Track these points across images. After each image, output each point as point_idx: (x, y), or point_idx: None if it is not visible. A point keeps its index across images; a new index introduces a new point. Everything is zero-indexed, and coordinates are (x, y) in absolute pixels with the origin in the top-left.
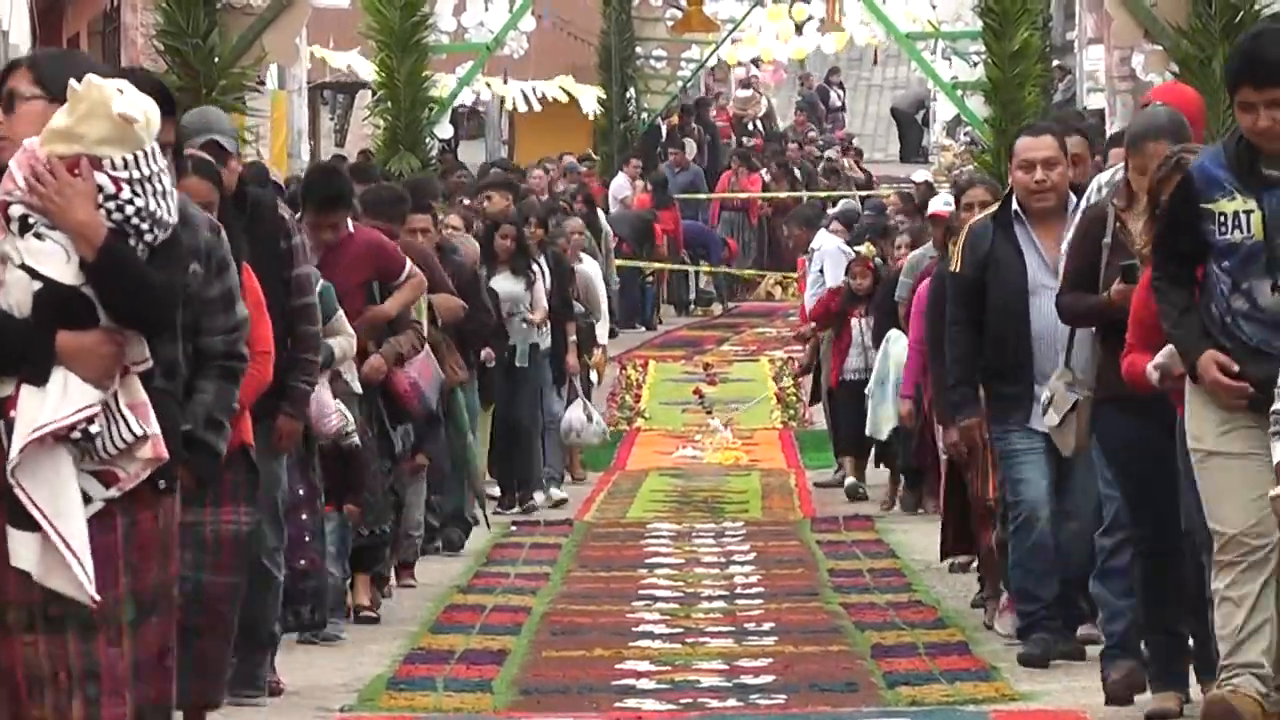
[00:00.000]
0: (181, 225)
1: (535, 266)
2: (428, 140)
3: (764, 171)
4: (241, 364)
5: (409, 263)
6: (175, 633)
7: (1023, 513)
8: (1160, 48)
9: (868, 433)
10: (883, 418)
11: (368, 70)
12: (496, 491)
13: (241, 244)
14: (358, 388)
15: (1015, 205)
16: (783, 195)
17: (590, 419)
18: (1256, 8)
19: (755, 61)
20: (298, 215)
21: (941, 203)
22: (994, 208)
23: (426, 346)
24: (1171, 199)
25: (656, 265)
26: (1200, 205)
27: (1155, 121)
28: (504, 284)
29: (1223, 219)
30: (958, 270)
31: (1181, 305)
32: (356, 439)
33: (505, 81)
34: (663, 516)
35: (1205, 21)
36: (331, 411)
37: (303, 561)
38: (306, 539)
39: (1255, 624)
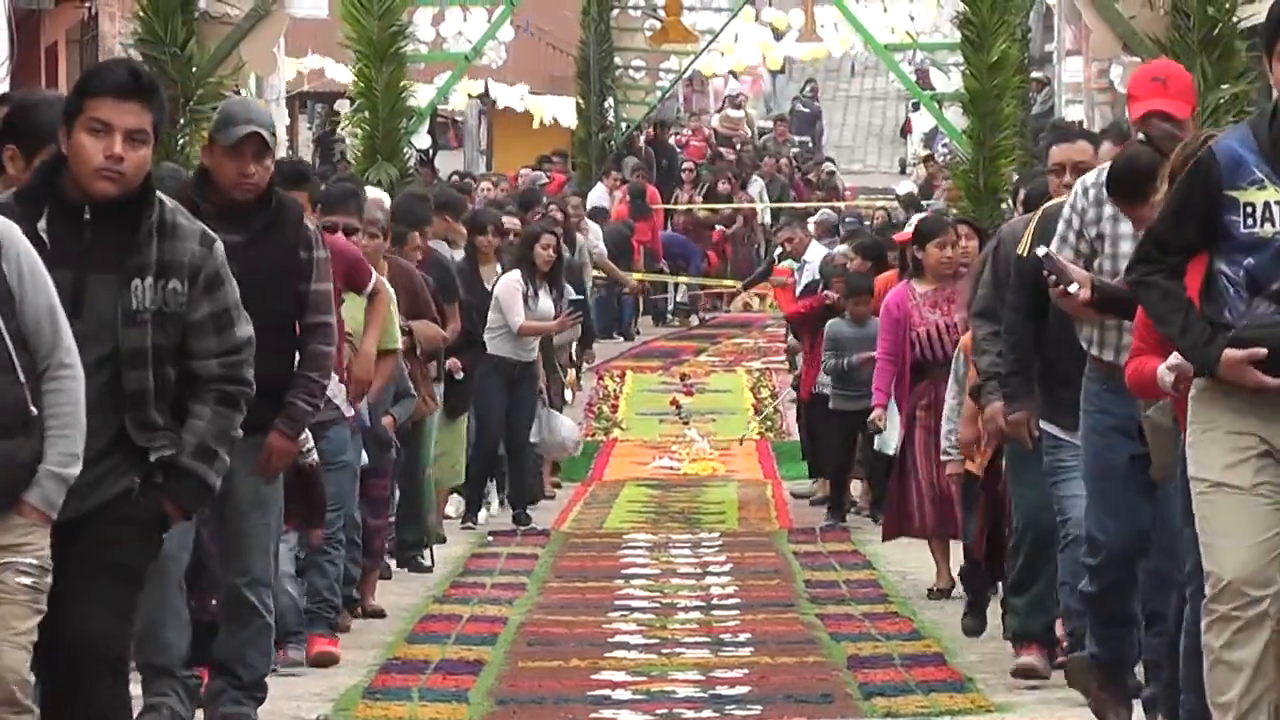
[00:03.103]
0: (165, 238)
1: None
2: (406, 150)
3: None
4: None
5: (374, 274)
6: None
7: (1070, 531)
8: (1139, 60)
9: (876, 448)
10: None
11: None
12: (455, 509)
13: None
14: (349, 411)
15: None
16: (745, 206)
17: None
18: (1235, 20)
19: (733, 73)
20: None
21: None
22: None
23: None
24: (1187, 182)
25: (636, 277)
26: (1224, 192)
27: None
28: (544, 301)
29: (1249, 209)
30: (1025, 254)
31: (1184, 305)
32: (315, 456)
33: (486, 92)
34: (639, 527)
35: (1183, 34)
36: None
37: None
38: None
39: (1256, 694)
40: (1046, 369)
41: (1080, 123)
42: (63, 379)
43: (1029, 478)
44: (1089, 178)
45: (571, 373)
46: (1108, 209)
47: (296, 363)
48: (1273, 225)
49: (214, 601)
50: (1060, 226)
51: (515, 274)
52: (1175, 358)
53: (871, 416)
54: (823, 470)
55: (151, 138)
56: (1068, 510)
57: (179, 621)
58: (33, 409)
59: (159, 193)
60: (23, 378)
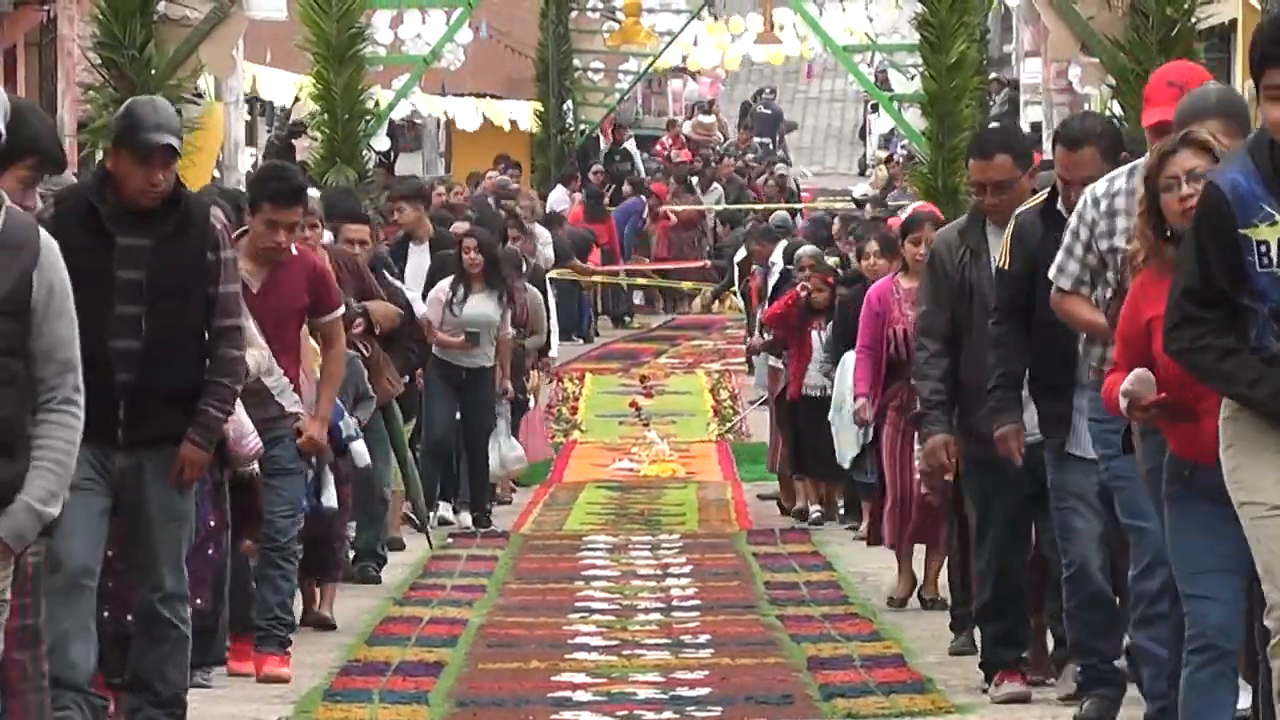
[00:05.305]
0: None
1: (506, 281)
2: (365, 153)
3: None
4: (76, 409)
5: (341, 299)
6: None
7: (1074, 563)
8: (1097, 61)
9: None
10: (845, 444)
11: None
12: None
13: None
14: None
15: (1060, 202)
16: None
17: (511, 449)
18: (1193, 20)
19: (693, 75)
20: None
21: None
22: (1039, 198)
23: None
24: (1203, 228)
25: (596, 277)
26: (1239, 231)
27: (1205, 101)
28: (478, 305)
29: (1264, 249)
30: (1006, 266)
31: (1248, 359)
32: (256, 465)
33: (443, 93)
34: (599, 529)
35: (1142, 35)
36: (249, 433)
37: (198, 601)
38: (209, 577)
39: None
40: (1042, 382)
41: (1039, 124)
42: (66, 415)
43: (995, 510)
44: (1099, 187)
45: (534, 374)
46: (1121, 221)
47: (206, 369)
48: None
49: (129, 617)
50: (1067, 238)
51: (445, 283)
52: (1129, 383)
53: (856, 408)
54: (808, 471)
55: None
56: (1069, 541)
57: (88, 638)
58: (27, 430)
59: None
60: (20, 396)
